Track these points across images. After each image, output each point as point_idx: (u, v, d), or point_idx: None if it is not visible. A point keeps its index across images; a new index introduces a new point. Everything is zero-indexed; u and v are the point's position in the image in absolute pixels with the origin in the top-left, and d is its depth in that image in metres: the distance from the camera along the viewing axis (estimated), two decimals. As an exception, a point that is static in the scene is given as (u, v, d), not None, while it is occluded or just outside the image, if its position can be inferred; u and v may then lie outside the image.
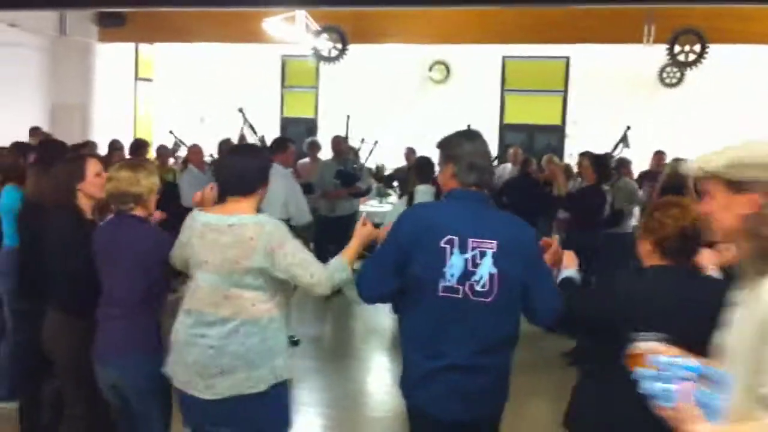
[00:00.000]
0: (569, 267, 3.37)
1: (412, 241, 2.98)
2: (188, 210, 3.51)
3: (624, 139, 9.96)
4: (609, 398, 2.88)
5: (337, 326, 8.49)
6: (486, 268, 2.93)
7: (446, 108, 14.02)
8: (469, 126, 8.74)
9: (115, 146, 10.36)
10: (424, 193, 6.38)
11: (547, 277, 3.11)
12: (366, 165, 10.12)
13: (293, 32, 11.14)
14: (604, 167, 7.90)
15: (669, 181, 9.18)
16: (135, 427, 3.72)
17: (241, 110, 10.69)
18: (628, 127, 9.95)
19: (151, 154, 10.88)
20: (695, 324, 2.77)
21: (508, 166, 11.66)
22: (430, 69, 15.39)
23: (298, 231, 8.09)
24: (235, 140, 10.77)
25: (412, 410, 3.14)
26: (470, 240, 2.94)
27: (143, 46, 14.58)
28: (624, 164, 9.78)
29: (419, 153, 9.40)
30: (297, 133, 14.75)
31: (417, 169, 6.70)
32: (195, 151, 9.60)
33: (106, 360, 3.63)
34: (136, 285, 3.56)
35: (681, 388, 1.98)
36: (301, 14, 11.10)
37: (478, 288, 2.93)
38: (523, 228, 3.11)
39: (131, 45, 14.21)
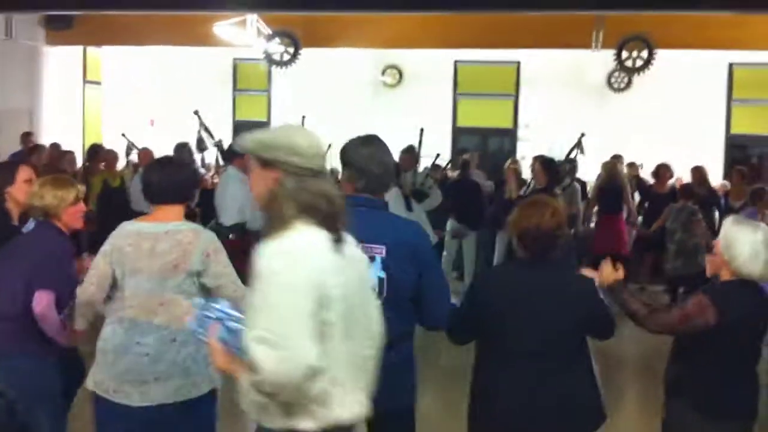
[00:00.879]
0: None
1: None
2: (138, 214, 3.51)
3: (579, 145, 10.08)
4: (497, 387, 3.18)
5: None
6: (374, 272, 2.97)
7: (399, 112, 14.03)
8: (422, 130, 8.90)
9: (58, 149, 10.30)
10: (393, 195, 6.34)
11: (439, 278, 3.21)
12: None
13: (244, 36, 11.06)
14: (555, 171, 8.00)
15: (605, 181, 9.45)
16: None
17: (197, 113, 10.47)
18: (583, 134, 10.06)
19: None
20: (542, 313, 3.09)
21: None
22: (383, 73, 15.40)
23: (253, 234, 8.05)
24: (192, 144, 10.62)
25: None
26: (361, 245, 2.95)
27: (91, 49, 14.33)
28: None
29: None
30: (249, 137, 14.62)
31: None
32: (146, 155, 9.48)
33: None
34: (27, 287, 3.51)
35: (210, 327, 2.35)
36: (252, 18, 11.03)
37: None
38: (415, 232, 3.19)
39: (79, 48, 13.96)
